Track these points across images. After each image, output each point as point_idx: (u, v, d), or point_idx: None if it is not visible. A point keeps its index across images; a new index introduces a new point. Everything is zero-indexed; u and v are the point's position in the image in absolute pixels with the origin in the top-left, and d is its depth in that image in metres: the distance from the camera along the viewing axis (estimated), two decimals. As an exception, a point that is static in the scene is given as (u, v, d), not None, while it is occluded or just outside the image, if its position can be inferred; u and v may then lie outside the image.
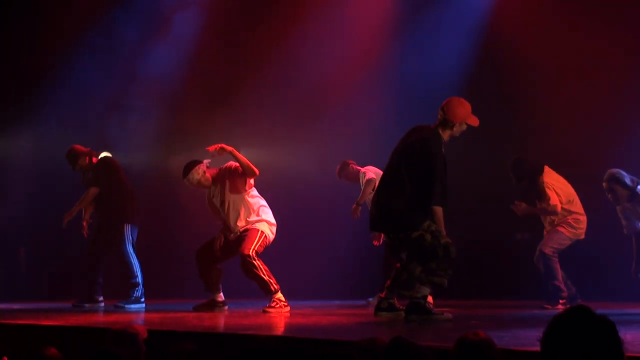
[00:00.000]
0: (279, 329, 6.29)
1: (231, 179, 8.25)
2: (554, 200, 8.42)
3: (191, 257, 8.56)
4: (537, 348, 2.60)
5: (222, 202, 8.31)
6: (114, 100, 11.33)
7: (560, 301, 8.22)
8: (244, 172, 8.14)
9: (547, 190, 8.45)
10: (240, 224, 8.24)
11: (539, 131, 9.54)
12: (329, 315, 7.61)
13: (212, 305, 8.30)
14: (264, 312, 7.82)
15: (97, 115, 11.40)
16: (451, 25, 10.08)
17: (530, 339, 4.70)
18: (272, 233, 8.27)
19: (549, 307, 8.11)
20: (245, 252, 7.99)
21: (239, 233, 8.25)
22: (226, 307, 8.34)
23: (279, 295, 8.00)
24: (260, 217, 8.25)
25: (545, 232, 8.75)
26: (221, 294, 8.40)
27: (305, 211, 10.64)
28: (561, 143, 9.35)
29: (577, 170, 9.11)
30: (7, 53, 11.44)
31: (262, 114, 11.00)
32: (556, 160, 8.95)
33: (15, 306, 9.15)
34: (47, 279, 11.35)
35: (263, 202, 8.37)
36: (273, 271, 8.09)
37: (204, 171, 8.28)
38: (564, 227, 8.57)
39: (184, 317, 7.30)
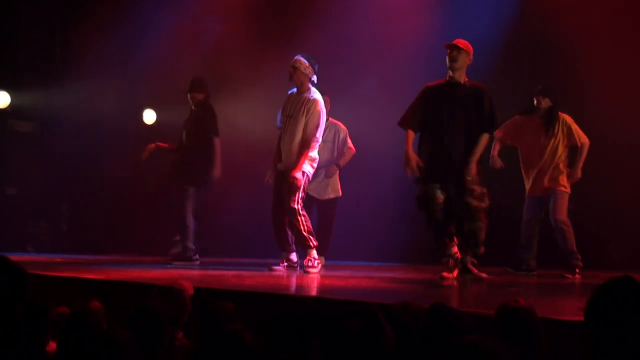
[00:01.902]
0: (315, 291, 6.32)
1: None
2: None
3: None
4: (579, 317, 2.58)
5: (290, 117, 8.11)
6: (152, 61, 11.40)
7: (577, 270, 7.93)
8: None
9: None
10: (293, 150, 8.06)
11: (575, 104, 9.35)
12: (367, 278, 7.60)
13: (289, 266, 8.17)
14: (305, 272, 7.78)
15: (135, 74, 11.49)
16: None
17: (570, 308, 4.68)
18: (313, 168, 8.10)
19: (569, 275, 7.87)
20: (291, 205, 7.90)
21: (285, 168, 8.07)
22: (297, 268, 8.14)
23: (314, 253, 7.92)
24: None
25: (531, 193, 8.26)
26: (294, 253, 8.22)
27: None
28: (597, 117, 9.18)
29: (616, 142, 9.04)
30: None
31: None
32: (594, 134, 8.88)
33: (58, 259, 9.30)
34: (89, 232, 11.51)
35: None
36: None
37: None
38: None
39: (223, 275, 7.36)
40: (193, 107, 9.05)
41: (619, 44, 9.11)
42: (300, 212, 7.91)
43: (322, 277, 7.44)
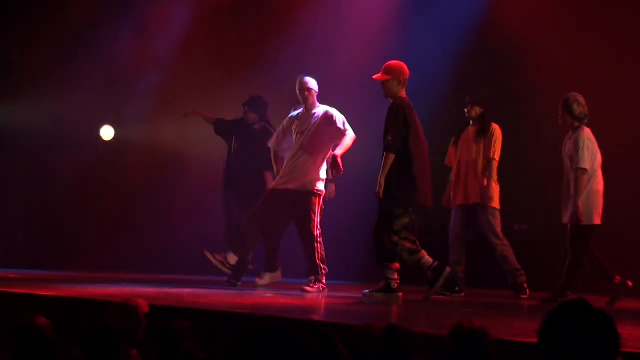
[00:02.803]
0: (270, 310, 6.30)
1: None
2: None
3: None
4: (533, 339, 2.60)
5: (303, 132, 8.22)
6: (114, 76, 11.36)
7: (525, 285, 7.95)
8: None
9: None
10: (314, 165, 8.20)
11: (536, 122, 9.46)
12: (325, 297, 7.61)
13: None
14: (303, 290, 7.86)
15: (93, 90, 11.45)
16: (448, 17, 10.02)
17: (525, 329, 4.71)
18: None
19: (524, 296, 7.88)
20: (313, 231, 8.09)
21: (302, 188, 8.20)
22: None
23: (323, 279, 8.04)
24: None
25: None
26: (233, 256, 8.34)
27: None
28: (559, 134, 9.29)
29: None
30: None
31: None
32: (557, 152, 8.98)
33: (11, 274, 9.18)
34: (45, 248, 11.41)
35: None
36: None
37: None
38: None
39: (178, 292, 7.32)
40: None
41: (574, 57, 9.25)
42: (319, 239, 8.02)
43: (279, 295, 7.43)
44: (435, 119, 8.70)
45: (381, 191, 6.97)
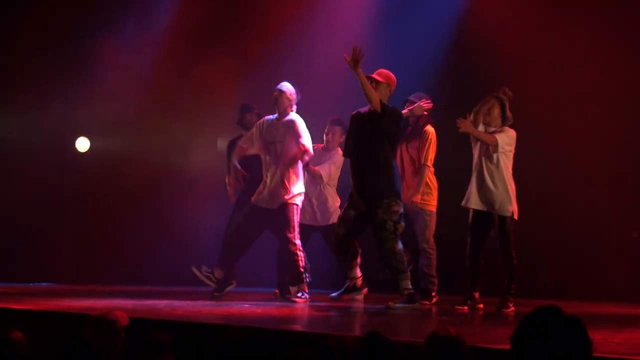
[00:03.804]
0: (248, 320, 6.32)
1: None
2: None
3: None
4: (507, 346, 2.64)
5: (274, 143, 8.30)
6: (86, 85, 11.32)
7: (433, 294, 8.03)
8: None
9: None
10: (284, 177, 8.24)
11: (523, 119, 9.53)
12: (308, 307, 7.65)
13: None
14: (292, 301, 7.90)
15: (68, 101, 11.40)
16: (429, 17, 10.09)
17: (500, 336, 4.76)
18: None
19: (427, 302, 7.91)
20: (293, 240, 8.12)
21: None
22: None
23: (306, 287, 8.09)
24: None
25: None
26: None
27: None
28: (536, 136, 9.38)
29: (554, 166, 9.23)
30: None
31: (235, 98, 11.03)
32: (535, 153, 9.10)
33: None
34: (21, 261, 11.32)
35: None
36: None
37: None
38: None
39: (155, 304, 7.31)
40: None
41: (552, 62, 9.35)
42: (299, 248, 8.05)
43: (257, 306, 7.44)
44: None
45: None
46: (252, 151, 8.39)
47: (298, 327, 5.81)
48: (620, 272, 8.91)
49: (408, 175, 8.05)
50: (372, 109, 7.12)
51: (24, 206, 11.31)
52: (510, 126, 7.59)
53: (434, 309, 7.68)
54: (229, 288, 8.48)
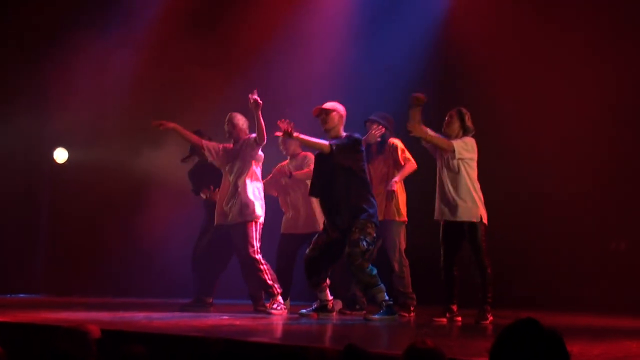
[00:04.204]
0: (226, 332, 6.28)
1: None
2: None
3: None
4: (486, 358, 2.63)
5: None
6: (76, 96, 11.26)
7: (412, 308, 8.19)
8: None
9: None
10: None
11: (498, 129, 9.59)
12: (287, 319, 7.63)
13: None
14: (269, 314, 7.99)
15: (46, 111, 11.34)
16: (408, 25, 10.13)
17: (478, 349, 4.75)
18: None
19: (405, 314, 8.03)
20: (252, 255, 8.25)
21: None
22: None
23: (279, 298, 8.19)
24: None
25: None
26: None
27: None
28: (513, 143, 9.42)
29: (533, 168, 9.28)
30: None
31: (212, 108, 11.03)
32: (517, 157, 9.19)
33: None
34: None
35: None
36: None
37: None
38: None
39: (132, 316, 7.26)
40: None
41: (534, 66, 9.40)
42: (262, 262, 8.18)
43: (235, 318, 7.40)
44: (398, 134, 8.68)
45: None
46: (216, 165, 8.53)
47: (276, 340, 5.76)
48: (598, 283, 8.96)
49: (379, 192, 8.13)
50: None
51: (1, 217, 11.25)
52: (474, 136, 7.63)
53: (412, 321, 7.67)
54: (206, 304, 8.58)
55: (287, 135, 7.39)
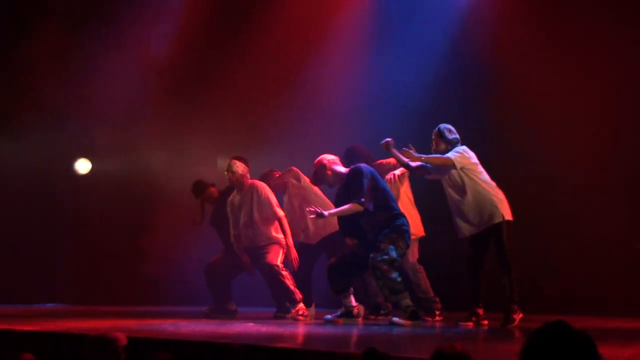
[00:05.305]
0: (254, 339, 6.28)
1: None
2: None
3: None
4: (516, 362, 2.60)
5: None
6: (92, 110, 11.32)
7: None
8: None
9: None
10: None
11: (516, 137, 9.55)
12: (312, 325, 7.63)
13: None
14: (295, 319, 8.12)
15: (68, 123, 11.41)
16: (426, 33, 10.12)
17: (507, 352, 4.72)
18: None
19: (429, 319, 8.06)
20: (273, 262, 8.48)
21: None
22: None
23: (301, 305, 8.34)
24: None
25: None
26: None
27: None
28: (537, 147, 9.38)
29: (559, 169, 9.23)
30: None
31: (239, 126, 11.09)
32: (531, 163, 9.14)
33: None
34: (22, 282, 11.30)
35: None
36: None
37: None
38: None
39: (160, 324, 7.28)
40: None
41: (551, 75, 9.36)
42: (282, 269, 8.40)
43: (261, 325, 7.41)
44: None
45: None
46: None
47: (303, 346, 5.76)
48: (625, 285, 8.88)
49: (411, 211, 8.26)
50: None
51: (27, 228, 11.32)
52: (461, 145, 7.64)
53: (437, 326, 7.64)
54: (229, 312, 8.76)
55: (320, 215, 7.55)
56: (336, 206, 7.69)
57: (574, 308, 8.62)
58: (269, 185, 8.85)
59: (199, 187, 9.24)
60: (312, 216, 7.71)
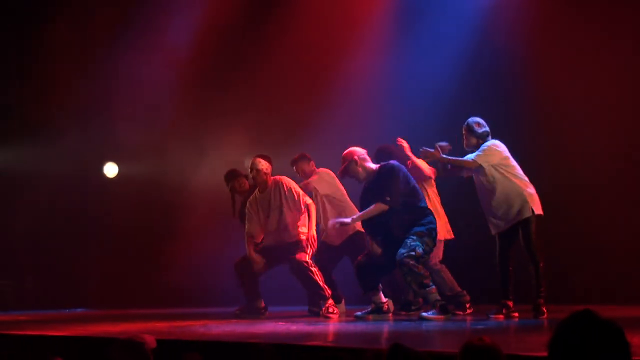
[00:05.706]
0: (284, 338, 6.30)
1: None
2: None
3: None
4: (544, 353, 2.59)
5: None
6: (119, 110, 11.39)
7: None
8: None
9: None
10: None
11: (539, 133, 9.51)
12: (341, 322, 7.63)
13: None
14: (325, 317, 8.13)
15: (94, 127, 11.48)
16: (450, 29, 10.10)
17: (536, 343, 4.70)
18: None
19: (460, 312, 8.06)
20: (304, 259, 8.48)
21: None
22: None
23: (330, 301, 8.34)
24: None
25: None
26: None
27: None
28: (561, 143, 9.34)
29: (588, 163, 9.20)
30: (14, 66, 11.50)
31: (266, 126, 11.12)
32: (556, 159, 9.12)
33: (22, 317, 9.17)
34: (54, 288, 11.40)
35: None
36: None
37: None
38: None
39: (190, 325, 7.31)
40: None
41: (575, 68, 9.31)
42: (312, 265, 8.40)
43: (291, 323, 7.42)
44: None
45: None
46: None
47: (333, 343, 5.76)
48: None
49: (439, 212, 8.28)
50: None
51: (57, 234, 11.41)
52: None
53: (467, 319, 7.63)
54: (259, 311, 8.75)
55: (345, 224, 7.76)
56: (361, 201, 7.68)
57: (602, 299, 8.58)
58: (301, 170, 8.99)
59: (231, 174, 9.20)
60: (337, 227, 7.77)
